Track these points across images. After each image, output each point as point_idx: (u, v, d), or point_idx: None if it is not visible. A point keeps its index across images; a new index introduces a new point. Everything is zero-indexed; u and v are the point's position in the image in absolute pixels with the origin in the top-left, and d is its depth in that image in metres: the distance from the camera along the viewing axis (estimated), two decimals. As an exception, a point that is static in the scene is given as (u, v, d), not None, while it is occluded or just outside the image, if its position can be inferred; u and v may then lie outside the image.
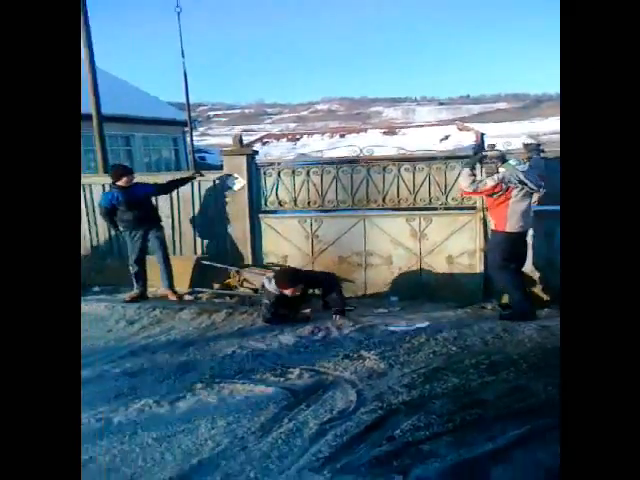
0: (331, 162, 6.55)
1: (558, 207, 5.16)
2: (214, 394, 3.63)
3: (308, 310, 5.41)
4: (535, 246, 5.65)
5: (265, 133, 30.42)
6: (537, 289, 5.74)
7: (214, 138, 54.28)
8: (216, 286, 6.58)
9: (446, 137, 22.93)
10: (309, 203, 6.48)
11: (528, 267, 5.62)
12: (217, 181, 6.72)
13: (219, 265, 6.57)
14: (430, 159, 6.28)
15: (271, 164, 6.82)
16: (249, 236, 6.65)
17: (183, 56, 6.96)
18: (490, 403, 3.41)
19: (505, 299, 5.55)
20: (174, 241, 6.94)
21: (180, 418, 3.32)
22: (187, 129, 10.58)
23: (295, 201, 6.52)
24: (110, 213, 6.28)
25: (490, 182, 5.07)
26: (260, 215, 6.66)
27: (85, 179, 7.43)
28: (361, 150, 6.32)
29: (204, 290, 6.48)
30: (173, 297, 6.33)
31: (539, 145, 5.50)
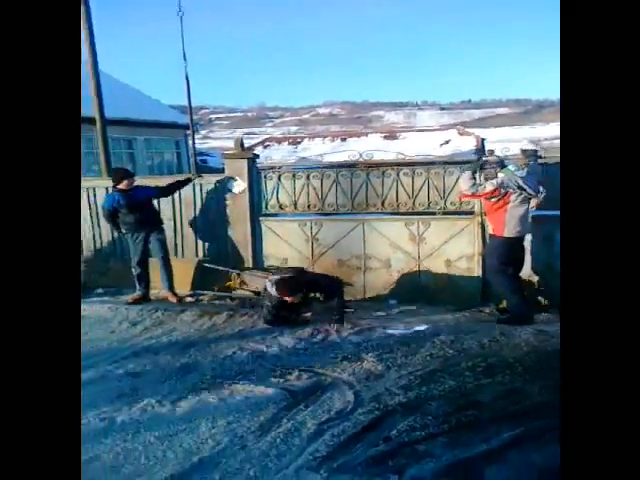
0: (331, 166, 6.62)
1: (557, 212, 5.30)
2: (215, 394, 3.69)
3: (309, 313, 5.45)
4: (534, 251, 5.72)
5: (266, 136, 30.51)
6: (535, 293, 5.79)
7: (216, 141, 54.39)
8: (217, 289, 6.65)
9: (447, 142, 22.99)
10: (309, 207, 6.55)
11: (527, 272, 5.68)
12: (218, 184, 6.79)
13: (221, 268, 6.64)
14: (429, 164, 6.35)
15: (272, 168, 6.89)
16: (250, 239, 6.72)
17: (185, 60, 7.02)
18: (485, 405, 3.47)
19: (503, 303, 5.60)
20: (176, 244, 7.01)
21: (181, 418, 3.39)
22: (189, 132, 10.66)
23: (295, 204, 6.60)
24: (112, 216, 6.36)
25: (489, 186, 5.14)
26: (261, 218, 6.73)
27: (88, 182, 7.53)
28: (360, 154, 6.40)
29: (205, 292, 6.55)
30: (173, 299, 6.40)
31: (537, 151, 5.57)
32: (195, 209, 6.96)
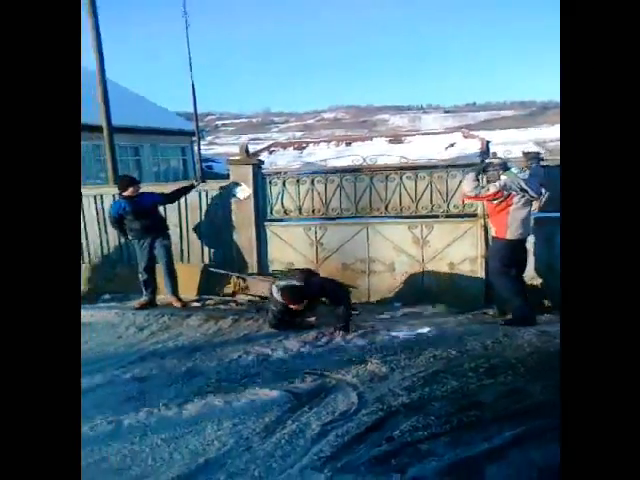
0: (335, 171, 6.69)
1: (558, 214, 5.34)
2: (220, 397, 3.74)
3: (313, 318, 5.50)
4: (537, 252, 5.76)
5: (272, 142, 30.64)
6: (539, 295, 5.82)
7: (221, 147, 54.55)
8: (222, 294, 6.72)
9: (451, 145, 23.04)
10: (313, 211, 6.62)
11: (530, 273, 5.72)
12: (222, 190, 6.86)
13: (226, 272, 6.71)
14: (432, 168, 6.40)
15: (277, 173, 6.96)
16: (255, 244, 6.78)
17: (191, 69, 7.14)
18: (488, 405, 3.51)
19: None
20: (182, 249, 7.09)
21: (187, 420, 3.44)
22: (195, 139, 10.80)
23: (300, 209, 6.66)
24: (119, 222, 6.46)
25: (492, 188, 5.19)
26: (266, 223, 6.80)
27: (96, 189, 7.65)
28: (364, 159, 6.46)
29: (211, 297, 6.63)
30: (177, 304, 6.48)
31: (539, 153, 5.60)
32: (201, 215, 7.03)
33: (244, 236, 6.81)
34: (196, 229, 7.07)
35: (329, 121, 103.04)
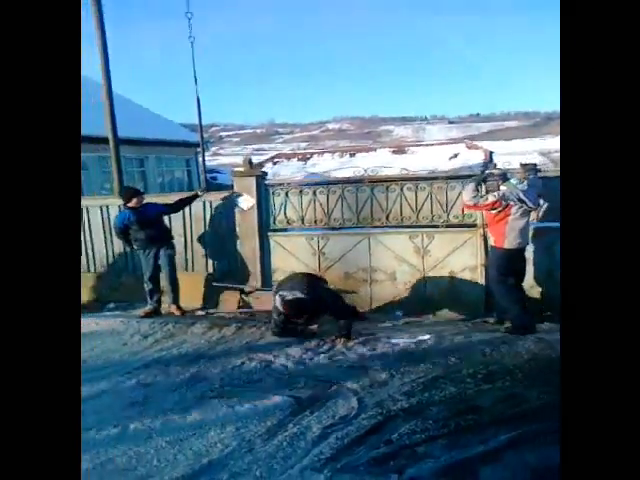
0: (336, 182, 6.80)
1: (556, 224, 5.44)
2: (224, 402, 3.84)
3: (315, 326, 5.57)
4: (536, 262, 5.85)
5: (276, 153, 30.82)
6: (539, 304, 5.89)
7: (226, 158, 54.84)
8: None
9: (455, 155, 23.15)
10: (316, 221, 6.73)
11: (529, 282, 5.80)
12: (225, 200, 6.98)
13: (229, 285, 6.84)
14: (432, 179, 6.50)
15: (280, 184, 7.08)
16: (259, 253, 6.89)
17: (196, 83, 7.31)
18: (485, 409, 3.58)
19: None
20: (186, 259, 7.21)
21: (191, 424, 3.54)
22: (199, 150, 10.98)
23: (303, 220, 6.77)
24: (124, 232, 6.59)
25: (491, 198, 5.29)
26: (269, 233, 6.91)
27: (102, 200, 7.80)
28: (365, 170, 6.58)
29: (214, 312, 6.76)
30: (177, 312, 6.60)
31: (536, 165, 5.70)
32: (205, 225, 7.15)
33: (248, 246, 6.92)
34: (200, 239, 7.19)
35: (334, 132, 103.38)
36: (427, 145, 26.95)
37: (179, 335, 5.64)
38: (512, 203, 5.24)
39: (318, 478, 2.83)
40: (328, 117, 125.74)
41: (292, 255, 6.81)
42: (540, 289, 5.93)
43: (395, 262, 6.47)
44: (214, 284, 6.93)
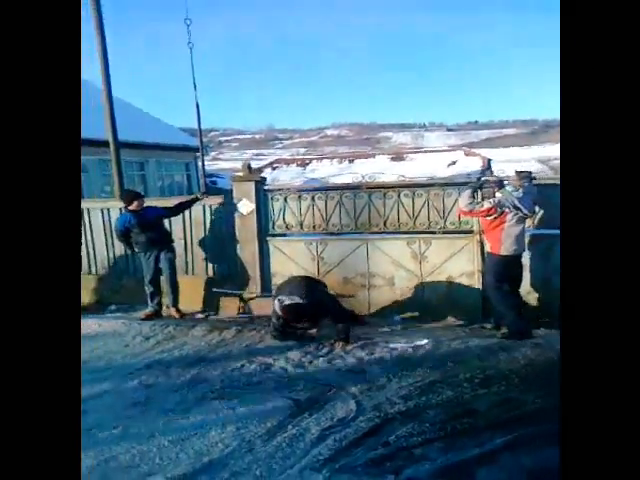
0: (335, 188, 6.88)
1: (551, 230, 5.54)
2: (224, 403, 3.91)
3: (314, 330, 5.63)
4: (532, 268, 5.93)
5: (275, 158, 30.94)
6: (534, 309, 5.97)
7: (225, 162, 54.94)
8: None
9: (453, 162, 23.34)
10: (314, 227, 6.79)
11: (526, 288, 5.88)
12: (225, 205, 7.06)
13: (228, 291, 6.92)
14: (428, 186, 6.58)
15: (279, 189, 7.16)
16: (258, 258, 6.95)
17: (195, 89, 7.35)
18: (481, 413, 3.65)
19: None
20: (187, 262, 7.27)
21: (193, 424, 3.60)
22: (199, 154, 11.06)
23: (301, 225, 6.84)
24: (125, 235, 6.66)
25: (486, 204, 5.38)
26: (268, 238, 6.97)
27: (103, 203, 7.87)
28: (363, 177, 6.66)
29: (214, 315, 6.84)
30: (177, 315, 6.67)
31: (530, 172, 5.79)
32: (205, 229, 7.23)
33: (247, 250, 6.99)
34: (200, 243, 7.26)
35: (333, 138, 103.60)
36: (426, 152, 27.09)
37: (180, 337, 5.71)
38: (507, 210, 5.32)
39: (317, 478, 2.90)
40: (327, 123, 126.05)
41: (291, 260, 6.88)
42: (537, 295, 6.00)
43: (393, 267, 6.54)
44: (214, 290, 7.00)
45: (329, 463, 3.04)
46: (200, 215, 7.19)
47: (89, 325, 6.04)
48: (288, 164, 26.19)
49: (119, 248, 7.43)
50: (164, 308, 6.80)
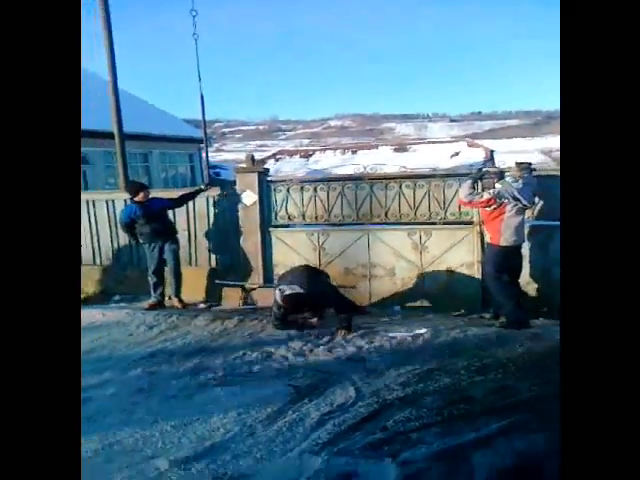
0: (337, 179, 6.94)
1: (550, 222, 5.58)
2: (226, 390, 4.00)
3: (315, 319, 5.71)
4: (532, 258, 5.99)
5: (278, 149, 30.94)
6: (533, 299, 6.03)
7: (229, 154, 55.00)
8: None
9: (456, 153, 23.29)
10: (316, 218, 6.86)
11: (525, 278, 5.94)
12: (228, 196, 7.12)
13: (231, 283, 7.00)
14: (429, 177, 6.63)
15: (282, 181, 7.22)
16: (260, 248, 7.03)
17: (200, 80, 7.40)
18: (477, 400, 3.72)
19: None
20: (190, 253, 7.35)
21: (195, 410, 3.69)
22: (202, 146, 11.13)
23: (303, 216, 6.91)
24: (130, 226, 6.74)
25: (486, 195, 5.42)
26: (271, 229, 7.05)
27: (107, 194, 7.95)
28: (364, 167, 6.71)
29: (216, 305, 6.91)
30: (179, 305, 6.77)
31: (530, 164, 5.82)
32: (208, 220, 7.30)
33: (250, 241, 7.06)
34: (204, 234, 7.33)
35: (336, 129, 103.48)
36: (429, 143, 27.04)
37: (183, 327, 5.79)
38: (507, 201, 5.37)
39: (316, 461, 2.98)
40: (330, 114, 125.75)
41: (293, 250, 6.96)
42: (536, 286, 6.06)
43: (394, 258, 6.60)
44: (216, 282, 7.08)
45: (328, 446, 3.12)
46: (204, 207, 7.26)
47: (93, 315, 6.13)
48: (291, 155, 26.18)
49: (123, 239, 7.52)
50: (166, 298, 6.89)
